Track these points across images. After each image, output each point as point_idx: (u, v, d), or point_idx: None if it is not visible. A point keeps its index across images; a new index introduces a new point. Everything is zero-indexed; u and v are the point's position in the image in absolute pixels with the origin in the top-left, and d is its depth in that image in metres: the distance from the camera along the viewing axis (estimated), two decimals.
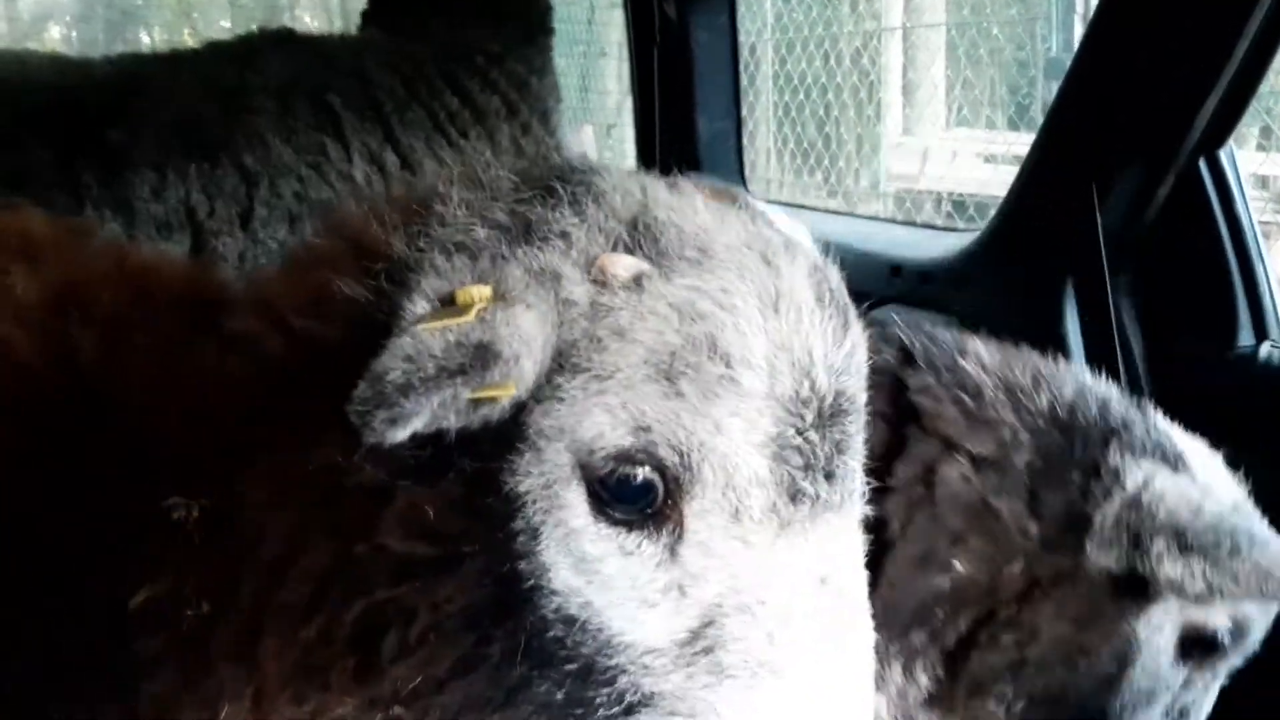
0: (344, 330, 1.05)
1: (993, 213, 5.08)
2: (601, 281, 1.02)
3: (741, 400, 1.00)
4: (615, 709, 1.02)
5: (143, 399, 1.17)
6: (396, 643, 1.04)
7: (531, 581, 1.02)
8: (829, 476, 1.04)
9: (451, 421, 0.97)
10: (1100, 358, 2.52)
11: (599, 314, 1.01)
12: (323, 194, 2.21)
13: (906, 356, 1.62)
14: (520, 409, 1.01)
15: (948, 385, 1.57)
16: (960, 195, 5.43)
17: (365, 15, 2.66)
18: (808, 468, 1.03)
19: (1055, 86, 4.97)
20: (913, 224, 3.78)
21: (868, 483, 1.12)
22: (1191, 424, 2.57)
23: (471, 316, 0.95)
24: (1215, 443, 2.52)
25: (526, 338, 0.96)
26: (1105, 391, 1.63)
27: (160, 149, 2.13)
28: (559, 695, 1.02)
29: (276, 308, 1.13)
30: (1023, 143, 6.06)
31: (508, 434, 1.01)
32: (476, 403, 0.97)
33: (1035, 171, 2.69)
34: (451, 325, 0.94)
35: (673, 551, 1.02)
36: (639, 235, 1.04)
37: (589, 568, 1.01)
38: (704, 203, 1.11)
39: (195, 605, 1.09)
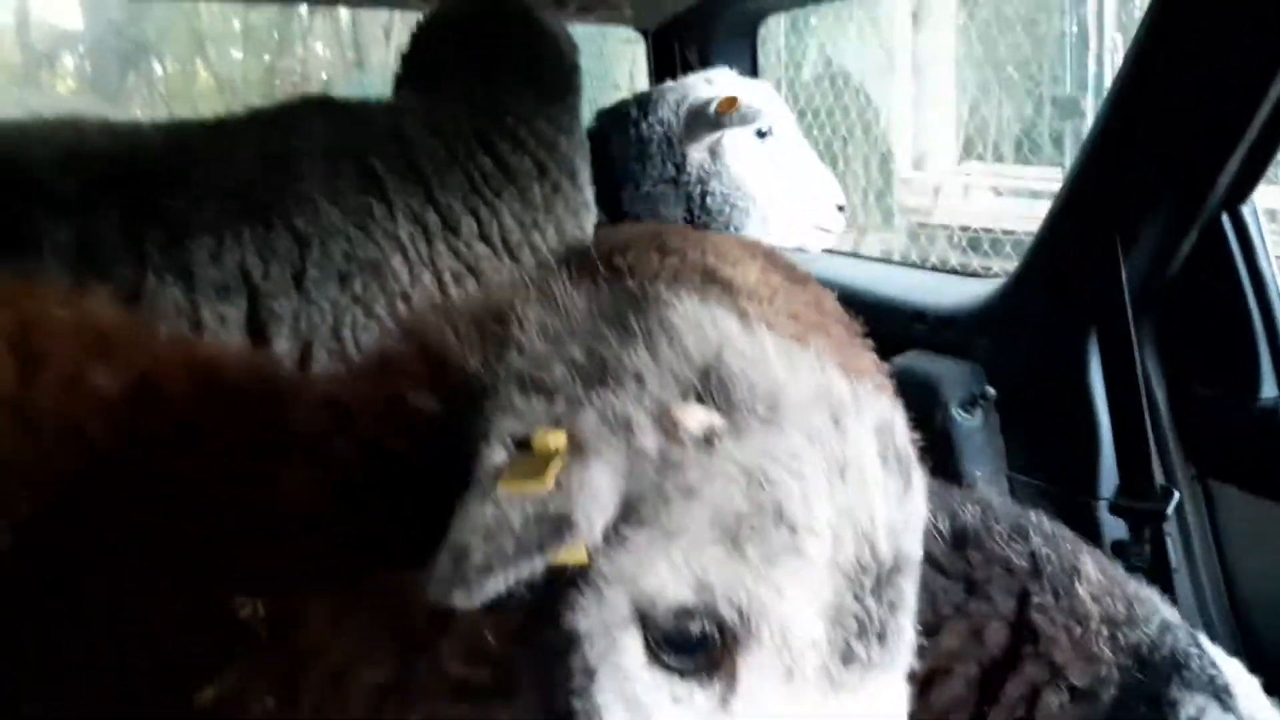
0: (414, 443, 1.05)
1: (1008, 249, 5.18)
2: (672, 433, 1.00)
3: (804, 567, 1.00)
4: None
5: (212, 496, 1.18)
6: None
7: (584, 718, 1.02)
8: (881, 638, 1.04)
9: (523, 581, 0.97)
10: (1124, 407, 2.57)
11: (668, 468, 0.99)
12: (369, 253, 2.25)
13: (1035, 568, 1.65)
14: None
15: (1064, 610, 1.61)
16: (974, 230, 5.48)
17: (398, 78, 2.72)
18: (862, 632, 1.03)
19: (1068, 124, 5.06)
20: (935, 269, 3.82)
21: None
22: (1214, 472, 2.62)
23: (549, 481, 0.94)
24: (1238, 492, 2.57)
25: (600, 498, 0.96)
26: (1174, 619, 1.68)
27: (217, 215, 2.18)
28: None
29: (348, 413, 1.13)
30: (1035, 177, 6.15)
31: (571, 572, 1.01)
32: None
33: (1058, 221, 2.73)
34: (530, 493, 0.93)
35: (724, 702, 1.02)
36: (711, 385, 1.03)
37: (642, 712, 1.02)
38: (775, 344, 1.10)
39: (262, 701, 1.09)
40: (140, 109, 12.88)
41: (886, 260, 4.45)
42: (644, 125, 3.11)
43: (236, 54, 12.34)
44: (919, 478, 1.12)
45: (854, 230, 5.74)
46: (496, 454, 0.97)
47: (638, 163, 3.11)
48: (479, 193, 2.38)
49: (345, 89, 11.59)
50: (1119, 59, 4.97)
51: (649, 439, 1.00)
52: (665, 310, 1.10)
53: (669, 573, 0.98)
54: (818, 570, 1.00)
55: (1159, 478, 2.53)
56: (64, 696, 1.17)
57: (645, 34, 3.84)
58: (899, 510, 1.07)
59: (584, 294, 1.14)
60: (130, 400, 1.29)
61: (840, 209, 3.29)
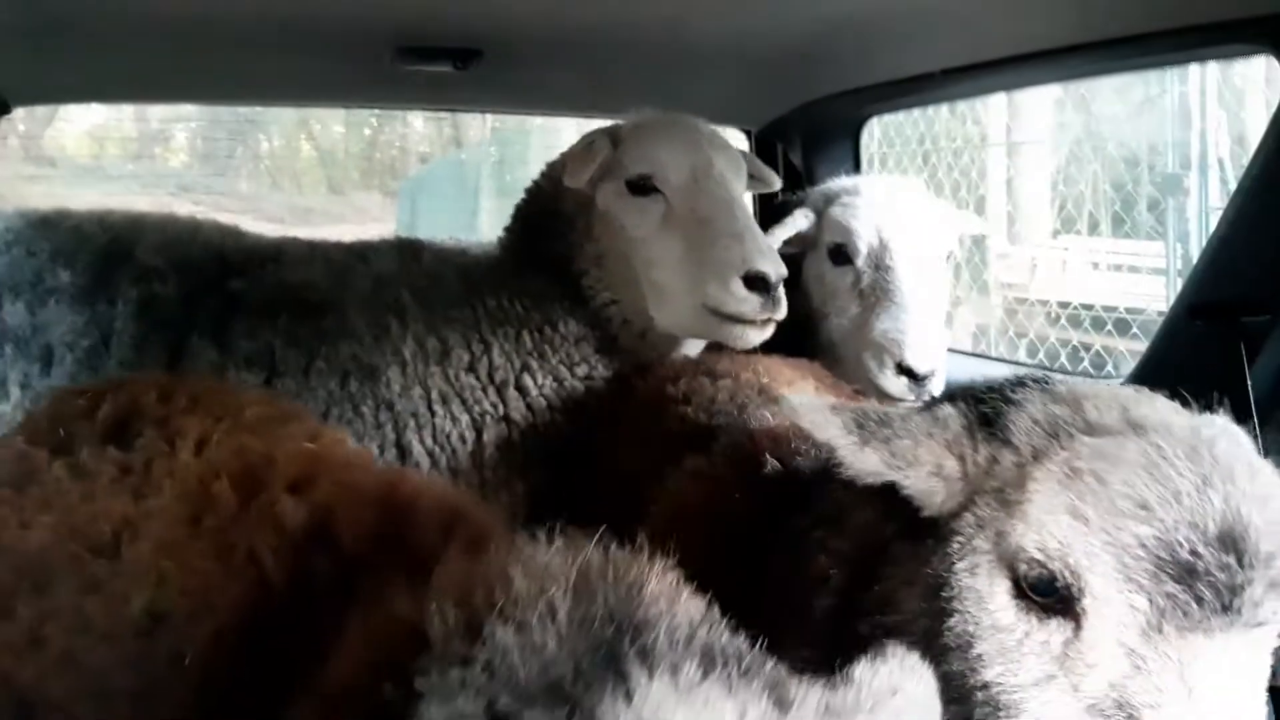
0: None
1: (1109, 326, 5.11)
2: None
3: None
4: None
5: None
6: None
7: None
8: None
9: None
10: None
11: None
12: (372, 359, 2.57)
13: None
14: None
15: None
16: (1074, 306, 5.43)
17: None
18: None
19: (1172, 202, 5.01)
20: (1055, 370, 3.80)
21: None
22: None
23: None
24: None
25: None
26: None
27: (264, 302, 2.61)
28: None
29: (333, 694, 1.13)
30: (1134, 251, 6.07)
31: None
32: None
33: (1178, 323, 2.71)
34: None
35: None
36: None
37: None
38: None
39: None
40: (246, 181, 13.40)
41: (996, 358, 4.42)
42: None
43: (339, 129, 12.82)
44: None
45: (949, 307, 5.74)
46: None
47: None
48: (478, 331, 2.60)
49: (443, 165, 11.91)
50: (1222, 136, 4.95)
51: None
52: (654, 644, 0.95)
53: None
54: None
55: None
56: None
57: (749, 133, 3.90)
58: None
59: (569, 599, 1.02)
60: (306, 534, 1.38)
61: None
